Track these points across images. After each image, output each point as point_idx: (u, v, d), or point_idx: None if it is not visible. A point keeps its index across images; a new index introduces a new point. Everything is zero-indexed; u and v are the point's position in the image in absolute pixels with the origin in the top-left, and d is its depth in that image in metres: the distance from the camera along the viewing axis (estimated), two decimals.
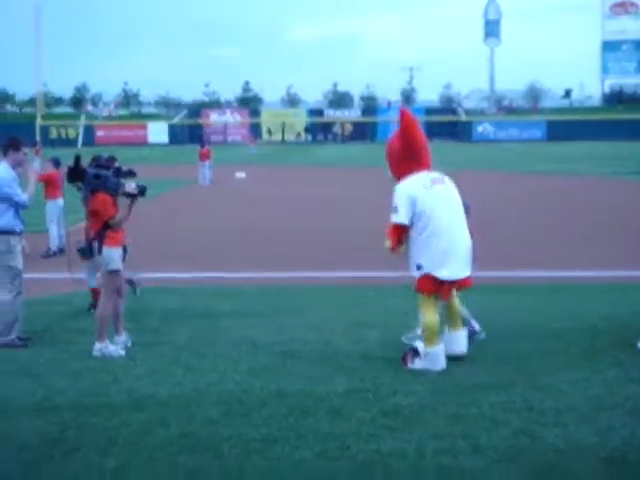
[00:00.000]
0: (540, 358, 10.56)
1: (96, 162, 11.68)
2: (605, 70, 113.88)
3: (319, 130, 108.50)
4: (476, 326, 11.29)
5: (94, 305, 14.32)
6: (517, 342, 11.15)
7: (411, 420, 8.27)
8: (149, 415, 8.52)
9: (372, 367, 10.36)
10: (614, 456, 7.24)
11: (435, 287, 10.31)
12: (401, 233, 10.34)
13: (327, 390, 9.33)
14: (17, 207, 12.26)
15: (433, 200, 10.20)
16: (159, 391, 9.43)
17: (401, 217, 10.21)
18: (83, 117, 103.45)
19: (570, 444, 7.54)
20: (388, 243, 10.43)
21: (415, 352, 10.36)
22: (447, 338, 10.55)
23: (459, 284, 10.44)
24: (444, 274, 10.19)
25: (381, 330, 12.23)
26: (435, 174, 10.46)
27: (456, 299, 10.67)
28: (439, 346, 10.31)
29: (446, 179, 10.49)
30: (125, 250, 11.67)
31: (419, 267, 10.24)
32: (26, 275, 12.62)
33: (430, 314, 10.29)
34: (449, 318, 10.60)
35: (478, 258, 10.81)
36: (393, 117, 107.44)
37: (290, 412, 8.57)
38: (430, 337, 10.26)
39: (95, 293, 14.90)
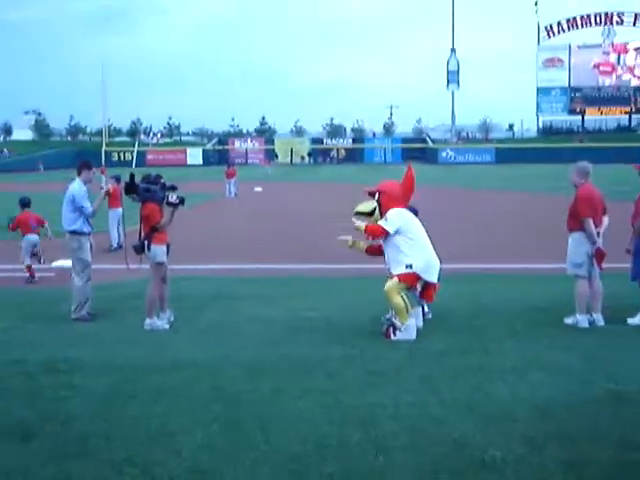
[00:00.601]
0: (492, 331, 10.60)
1: (146, 179, 11.71)
2: (540, 109, 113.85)
3: (319, 154, 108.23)
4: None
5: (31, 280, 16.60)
6: (476, 319, 11.20)
7: (390, 379, 8.29)
8: (187, 374, 8.53)
9: (361, 338, 10.41)
10: (546, 405, 7.28)
11: (415, 282, 10.73)
12: (381, 235, 10.69)
13: (325, 356, 9.36)
14: (85, 215, 12.38)
15: (418, 225, 10.80)
16: (195, 356, 9.45)
17: (390, 227, 10.54)
18: (136, 145, 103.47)
19: (512, 396, 7.57)
20: (361, 225, 10.83)
21: (394, 327, 10.45)
22: (416, 314, 10.87)
23: (434, 286, 10.89)
24: (427, 276, 10.66)
25: (369, 310, 12.23)
26: None
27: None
28: (411, 319, 10.53)
29: None
30: (168, 247, 11.72)
31: (409, 266, 10.52)
32: (93, 265, 12.66)
33: (398, 298, 10.49)
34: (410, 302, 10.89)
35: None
36: (377, 144, 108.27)
37: (296, 372, 8.61)
38: (402, 314, 10.45)
39: (29, 269, 17.04)
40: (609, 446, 6.29)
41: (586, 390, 7.83)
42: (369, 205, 11.11)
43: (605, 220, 11.16)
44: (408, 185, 11.02)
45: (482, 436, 6.45)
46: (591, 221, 10.86)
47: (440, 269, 10.78)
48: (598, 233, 10.94)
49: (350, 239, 11.13)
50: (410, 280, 10.60)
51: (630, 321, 11.26)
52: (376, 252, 11.11)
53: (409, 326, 10.45)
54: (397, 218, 10.59)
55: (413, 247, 10.55)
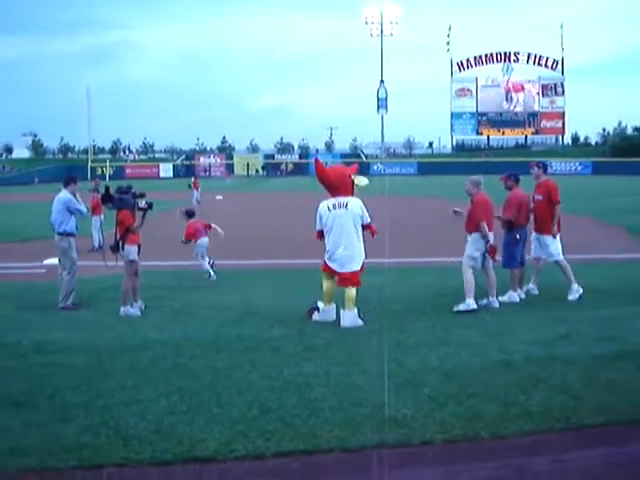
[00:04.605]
0: (407, 313, 10.70)
1: (120, 190, 11.71)
2: (453, 130, 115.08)
3: (271, 168, 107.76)
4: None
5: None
6: (394, 303, 11.17)
7: (322, 354, 8.41)
8: (155, 352, 8.57)
9: (299, 320, 10.45)
10: (449, 373, 7.46)
11: (328, 270, 10.47)
12: (319, 234, 10.56)
13: (270, 335, 9.43)
14: (80, 215, 12.60)
15: (329, 219, 10.36)
16: (161, 337, 9.47)
17: (317, 227, 10.52)
18: (108, 162, 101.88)
19: (422, 366, 7.73)
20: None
21: (315, 310, 10.52)
22: (341, 314, 10.32)
23: (343, 276, 10.33)
24: (331, 265, 10.40)
25: (308, 296, 12.23)
26: (341, 199, 10.38)
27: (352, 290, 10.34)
28: (331, 305, 10.44)
29: (350, 203, 10.36)
30: (139, 247, 11.71)
31: (325, 255, 10.47)
32: (78, 262, 12.59)
33: (325, 284, 10.48)
34: (345, 300, 10.30)
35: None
36: (320, 159, 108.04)
37: (245, 350, 8.67)
38: (325, 298, 10.46)
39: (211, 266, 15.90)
40: (497, 403, 6.51)
41: (483, 359, 8.04)
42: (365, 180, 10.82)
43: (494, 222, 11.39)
44: (319, 178, 10.72)
45: (396, 398, 6.60)
46: (485, 224, 11.07)
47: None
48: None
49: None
50: (324, 268, 10.50)
51: (500, 299, 11.62)
52: None
53: (328, 309, 10.42)
54: (317, 215, 10.55)
55: (326, 238, 10.48)
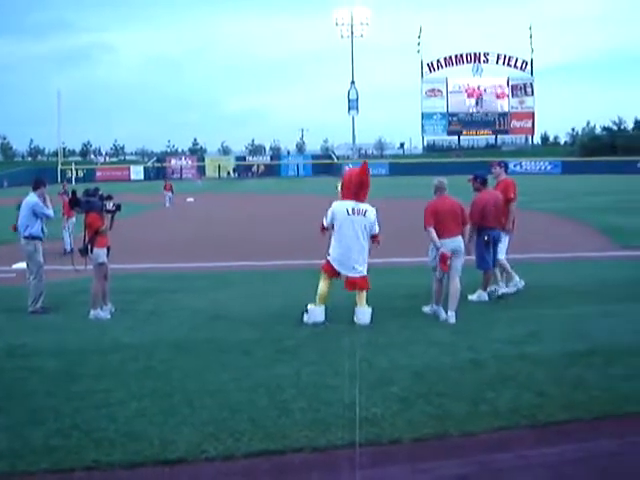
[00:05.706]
0: (378, 313, 10.52)
1: (87, 193, 11.69)
2: (424, 131, 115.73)
3: (243, 170, 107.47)
4: None
5: None
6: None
7: (293, 355, 8.45)
8: (125, 355, 8.56)
9: (271, 322, 10.42)
10: (419, 371, 7.55)
11: (331, 272, 10.47)
12: (324, 228, 10.69)
13: (241, 337, 9.45)
14: (47, 218, 12.47)
15: (345, 222, 10.39)
16: (132, 339, 9.46)
17: (326, 221, 10.61)
18: (73, 165, 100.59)
19: (392, 365, 7.82)
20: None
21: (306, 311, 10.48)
22: (355, 311, 10.38)
23: (352, 280, 10.39)
24: (339, 269, 10.41)
25: (282, 298, 12.31)
26: (361, 206, 10.48)
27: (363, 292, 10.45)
28: (319, 307, 10.33)
29: (368, 212, 10.48)
30: (109, 250, 11.67)
31: (329, 254, 10.50)
32: (47, 266, 12.53)
33: (322, 286, 10.45)
34: (357, 300, 10.42)
35: None
36: (291, 161, 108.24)
37: (216, 352, 8.70)
38: (318, 299, 10.38)
39: None
40: (466, 401, 6.61)
41: (452, 358, 8.15)
42: None
43: (467, 227, 11.17)
44: (354, 179, 10.67)
45: (366, 398, 6.67)
46: (432, 230, 10.67)
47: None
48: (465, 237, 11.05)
49: None
50: (328, 269, 10.47)
51: (470, 297, 11.74)
52: None
53: (318, 311, 10.31)
54: (329, 212, 10.59)
55: (335, 239, 10.49)
